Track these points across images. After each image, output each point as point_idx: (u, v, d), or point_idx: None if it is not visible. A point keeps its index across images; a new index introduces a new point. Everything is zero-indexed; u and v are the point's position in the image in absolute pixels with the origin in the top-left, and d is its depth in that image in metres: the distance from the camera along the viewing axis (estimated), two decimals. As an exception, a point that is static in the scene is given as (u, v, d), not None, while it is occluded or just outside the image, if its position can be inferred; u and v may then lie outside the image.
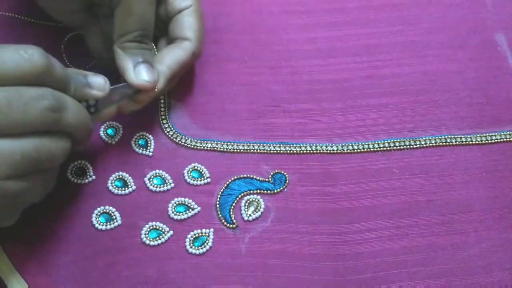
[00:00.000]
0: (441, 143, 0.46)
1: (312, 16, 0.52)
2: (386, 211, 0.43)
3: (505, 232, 0.42)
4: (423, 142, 0.46)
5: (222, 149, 0.45)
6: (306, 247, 0.41)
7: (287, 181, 0.44)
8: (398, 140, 0.46)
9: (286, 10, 0.52)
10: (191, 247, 0.40)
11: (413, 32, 0.51)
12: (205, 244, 0.41)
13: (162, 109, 0.46)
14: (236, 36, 0.50)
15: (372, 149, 0.45)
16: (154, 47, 0.43)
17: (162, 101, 0.47)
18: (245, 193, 0.43)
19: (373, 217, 0.43)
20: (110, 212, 0.41)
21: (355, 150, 0.45)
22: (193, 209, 0.42)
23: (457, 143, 0.46)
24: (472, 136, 0.46)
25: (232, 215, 0.42)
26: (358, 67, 0.49)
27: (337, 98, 0.48)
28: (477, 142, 0.46)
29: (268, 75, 0.49)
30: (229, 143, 0.45)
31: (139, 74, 0.39)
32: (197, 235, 0.41)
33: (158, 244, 0.41)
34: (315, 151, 0.45)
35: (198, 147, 0.45)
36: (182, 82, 0.48)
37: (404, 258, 0.41)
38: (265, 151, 0.45)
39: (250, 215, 0.42)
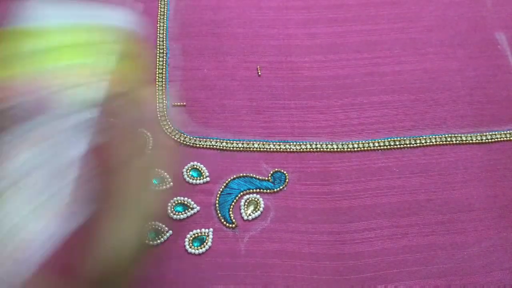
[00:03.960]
0: (441, 142, 0.46)
1: (313, 12, 0.51)
2: (386, 210, 0.43)
3: (504, 231, 0.42)
4: (423, 141, 0.45)
5: (221, 147, 0.44)
6: (305, 247, 0.41)
7: (287, 180, 0.43)
8: (398, 138, 0.46)
9: (286, 5, 0.51)
10: (190, 247, 0.40)
11: (413, 29, 0.50)
12: (205, 244, 0.40)
13: (160, 104, 0.46)
14: (236, 30, 0.50)
15: (372, 148, 0.45)
16: None
17: (160, 96, 0.46)
18: (244, 192, 0.43)
19: (373, 216, 0.43)
20: (109, 211, 0.41)
21: (355, 149, 0.45)
22: (192, 208, 0.42)
23: (457, 142, 0.46)
24: (472, 135, 0.46)
25: (231, 215, 0.42)
26: (358, 64, 0.49)
27: (337, 96, 0.47)
28: (477, 141, 0.46)
29: (268, 71, 0.48)
30: (228, 141, 0.45)
31: None
32: (196, 234, 0.41)
33: (158, 244, 0.40)
34: (315, 150, 0.45)
35: (197, 145, 0.44)
36: (181, 75, 0.47)
37: (404, 258, 0.41)
38: (265, 149, 0.44)
39: (249, 215, 0.42)
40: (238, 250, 0.40)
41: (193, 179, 0.43)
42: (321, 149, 0.45)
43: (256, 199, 0.42)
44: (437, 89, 0.48)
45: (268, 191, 0.43)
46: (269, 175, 0.43)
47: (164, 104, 0.46)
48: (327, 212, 0.42)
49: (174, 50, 0.49)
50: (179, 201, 0.42)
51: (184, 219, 0.41)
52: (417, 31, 0.50)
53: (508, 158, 0.45)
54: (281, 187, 0.43)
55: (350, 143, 0.45)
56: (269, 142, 0.45)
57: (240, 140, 0.45)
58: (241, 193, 0.42)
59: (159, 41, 0.49)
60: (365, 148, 0.45)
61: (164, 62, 0.48)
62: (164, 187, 0.42)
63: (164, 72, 0.47)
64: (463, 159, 0.45)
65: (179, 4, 0.51)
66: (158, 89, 0.46)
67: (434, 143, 0.45)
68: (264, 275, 0.40)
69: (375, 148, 0.45)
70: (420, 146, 0.45)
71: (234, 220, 0.41)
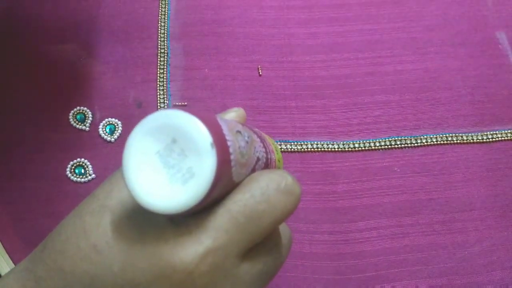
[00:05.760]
0: (442, 141, 0.46)
1: (314, 11, 0.51)
2: (387, 209, 0.43)
3: (506, 230, 0.42)
4: (424, 141, 0.45)
5: (223, 147, 0.44)
6: (306, 246, 0.41)
7: (288, 179, 0.43)
8: (399, 138, 0.46)
9: (287, 5, 0.51)
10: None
11: (414, 29, 0.50)
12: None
13: (161, 104, 0.46)
14: (237, 30, 0.50)
15: (373, 148, 0.45)
16: None
17: (161, 95, 0.46)
18: (246, 191, 0.43)
19: (374, 215, 0.43)
20: (110, 211, 0.41)
21: (356, 149, 0.45)
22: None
23: (458, 141, 0.46)
24: (473, 134, 0.46)
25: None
26: (360, 64, 0.49)
27: (338, 95, 0.47)
28: (478, 140, 0.46)
29: (269, 70, 0.48)
30: (230, 141, 0.44)
31: None
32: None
33: None
34: (316, 149, 0.45)
35: (199, 145, 0.44)
36: (182, 75, 0.47)
37: (405, 257, 0.41)
38: (266, 148, 0.45)
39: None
40: (239, 250, 0.40)
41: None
42: (322, 149, 0.45)
43: (257, 199, 0.42)
44: (438, 89, 0.48)
45: (270, 190, 0.43)
46: (270, 174, 0.43)
47: (166, 104, 0.46)
48: (328, 212, 0.42)
49: (175, 49, 0.49)
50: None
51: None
52: (418, 30, 0.50)
53: (509, 157, 0.45)
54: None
55: (351, 142, 0.45)
56: (270, 141, 0.45)
57: (241, 140, 0.45)
58: (243, 193, 0.42)
59: (160, 40, 0.49)
60: (366, 148, 0.45)
61: (165, 61, 0.48)
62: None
63: (165, 72, 0.47)
64: (464, 159, 0.45)
65: (180, 3, 0.51)
66: (159, 89, 0.46)
67: (435, 142, 0.45)
68: (265, 275, 0.40)
69: (376, 148, 0.45)
70: (421, 146, 0.45)
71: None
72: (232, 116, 0.30)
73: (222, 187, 0.20)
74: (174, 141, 0.19)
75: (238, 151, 0.21)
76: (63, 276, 0.21)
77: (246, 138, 0.23)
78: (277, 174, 0.23)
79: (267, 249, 0.23)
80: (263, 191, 0.22)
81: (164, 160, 0.19)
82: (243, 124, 0.25)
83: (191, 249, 0.20)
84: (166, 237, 0.20)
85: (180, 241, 0.20)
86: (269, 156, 0.28)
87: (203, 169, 0.18)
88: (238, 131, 0.23)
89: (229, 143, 0.20)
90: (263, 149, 0.26)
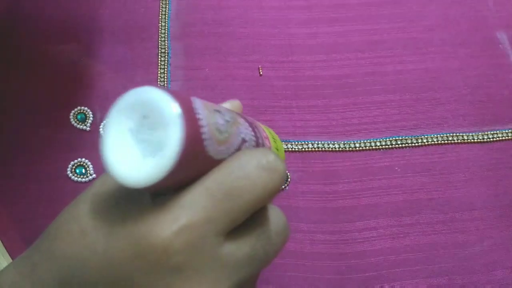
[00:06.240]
0: (442, 141, 0.46)
1: (314, 11, 0.51)
2: (387, 209, 0.43)
3: (506, 230, 0.42)
4: (424, 140, 0.46)
5: (223, 146, 0.44)
6: (307, 246, 0.41)
7: (289, 180, 0.43)
8: (400, 138, 0.46)
9: (287, 5, 0.51)
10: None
11: (414, 29, 0.51)
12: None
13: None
14: (237, 30, 0.50)
15: (373, 147, 0.45)
16: None
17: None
18: (247, 191, 0.43)
19: (374, 215, 0.43)
20: (111, 211, 0.41)
21: (357, 148, 0.45)
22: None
23: (459, 141, 0.46)
24: (473, 134, 0.46)
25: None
26: (360, 64, 0.49)
27: (339, 95, 0.47)
28: (478, 140, 0.46)
29: (269, 70, 0.48)
30: (230, 141, 0.44)
31: None
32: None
33: None
34: (316, 149, 0.45)
35: (199, 145, 0.44)
36: (182, 75, 0.47)
37: (406, 257, 0.41)
38: (266, 148, 0.45)
39: (252, 214, 0.42)
40: (240, 250, 0.40)
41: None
42: (323, 149, 0.45)
43: (258, 199, 0.42)
44: (438, 89, 0.48)
45: (270, 190, 0.43)
46: (271, 174, 0.43)
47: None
48: (329, 212, 0.42)
49: (175, 49, 0.49)
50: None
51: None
52: (418, 30, 0.51)
53: (509, 157, 0.45)
54: (283, 187, 0.43)
55: (352, 142, 0.45)
56: (271, 141, 0.45)
57: (242, 140, 0.45)
58: (243, 193, 0.42)
59: (161, 40, 0.49)
60: (367, 148, 0.45)
61: (166, 61, 0.48)
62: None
63: (166, 72, 0.47)
64: (464, 158, 0.45)
65: (181, 3, 0.51)
66: (160, 89, 0.46)
67: (436, 142, 0.46)
68: (266, 274, 0.40)
69: (377, 147, 0.45)
70: (421, 146, 0.45)
71: (236, 220, 0.41)
72: (226, 106, 0.30)
73: (197, 162, 0.20)
74: (144, 117, 0.19)
75: (213, 126, 0.21)
76: (54, 261, 0.22)
77: (227, 118, 0.23)
78: (258, 152, 0.22)
79: (254, 232, 0.22)
80: (242, 167, 0.21)
81: (136, 136, 0.19)
82: (227, 109, 0.25)
83: (166, 226, 0.20)
84: (146, 215, 0.20)
85: (157, 218, 0.20)
86: (260, 141, 0.27)
87: (170, 140, 0.18)
88: (217, 110, 0.23)
89: (199, 116, 0.20)
90: (252, 133, 0.26)
